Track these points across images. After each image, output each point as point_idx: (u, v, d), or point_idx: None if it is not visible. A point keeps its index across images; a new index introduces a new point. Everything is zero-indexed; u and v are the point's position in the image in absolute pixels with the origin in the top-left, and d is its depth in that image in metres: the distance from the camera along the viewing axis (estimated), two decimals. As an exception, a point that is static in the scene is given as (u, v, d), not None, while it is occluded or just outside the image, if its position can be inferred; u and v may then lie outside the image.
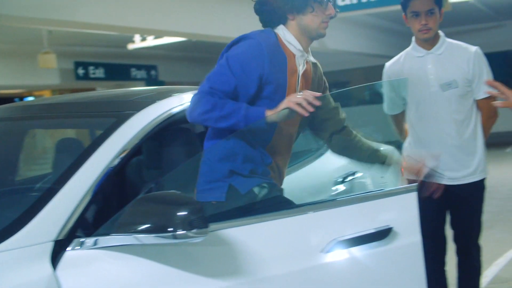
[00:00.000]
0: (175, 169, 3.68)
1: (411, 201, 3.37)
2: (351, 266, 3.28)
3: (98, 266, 2.83)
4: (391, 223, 3.36)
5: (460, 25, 26.30)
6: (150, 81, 24.71)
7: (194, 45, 22.86)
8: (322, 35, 3.60)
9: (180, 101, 3.73)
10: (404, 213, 3.38)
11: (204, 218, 2.80)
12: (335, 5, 3.59)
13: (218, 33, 15.40)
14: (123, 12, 12.45)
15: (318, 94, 3.28)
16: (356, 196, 3.70)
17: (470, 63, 4.83)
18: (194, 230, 2.76)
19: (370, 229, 3.31)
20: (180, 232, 2.73)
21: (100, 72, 22.77)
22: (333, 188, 4.56)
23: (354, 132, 3.94)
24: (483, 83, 4.72)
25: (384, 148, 4.16)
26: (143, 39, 20.33)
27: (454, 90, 4.79)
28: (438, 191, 4.68)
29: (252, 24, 13.67)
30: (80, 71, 22.14)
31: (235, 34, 14.33)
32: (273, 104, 3.38)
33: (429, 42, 4.89)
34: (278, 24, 3.60)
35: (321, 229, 3.27)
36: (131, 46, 20.99)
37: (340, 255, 3.23)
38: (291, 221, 3.25)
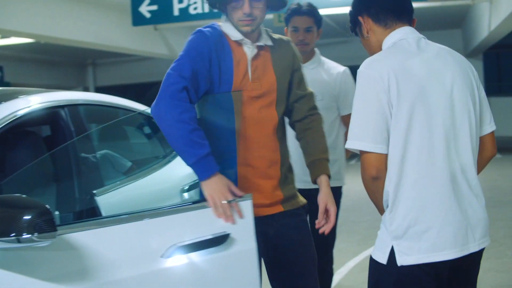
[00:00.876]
0: (18, 172, 3.59)
1: (246, 208, 3.44)
2: (190, 271, 3.35)
3: None
4: (228, 229, 3.44)
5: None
6: (-5, 82, 24.04)
7: (42, 47, 22.43)
8: (243, 32, 3.70)
9: (27, 103, 3.65)
10: (240, 220, 3.45)
11: (52, 221, 2.76)
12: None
13: (68, 36, 15.16)
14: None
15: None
16: (195, 204, 3.73)
17: (337, 81, 5.36)
18: (39, 234, 2.71)
19: (208, 235, 3.39)
20: (25, 236, 2.68)
21: None
22: (179, 196, 4.56)
23: (315, 129, 4.00)
24: (348, 101, 5.13)
25: None
26: (-11, 38, 19.78)
27: (320, 102, 4.88)
28: None
29: (102, 28, 13.51)
30: None
31: (84, 38, 14.19)
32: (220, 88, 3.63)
33: (304, 57, 5.28)
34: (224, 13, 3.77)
35: (161, 234, 3.31)
36: (-24, 45, 20.40)
37: (179, 260, 3.29)
38: (134, 226, 3.27)
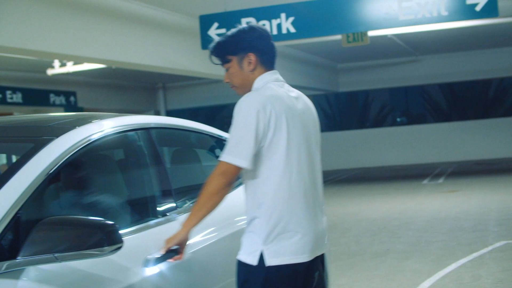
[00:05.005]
0: (94, 194, 3.68)
1: None
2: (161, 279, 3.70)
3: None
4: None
5: (378, 59, 26.77)
6: (68, 107, 24.43)
7: (114, 72, 22.74)
8: None
9: (100, 128, 3.70)
10: None
11: (115, 236, 3.04)
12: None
13: (138, 61, 15.34)
14: (42, 37, 12.31)
15: None
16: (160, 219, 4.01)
17: None
18: (108, 246, 2.99)
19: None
20: (90, 250, 2.96)
21: (18, 97, 22.39)
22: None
23: None
24: None
25: None
26: (63, 65, 20.11)
27: None
28: None
29: (172, 52, 13.58)
30: (-3, 96, 21.76)
31: (155, 62, 14.28)
32: None
33: None
34: None
35: (140, 248, 3.64)
36: (50, 72, 20.73)
37: (154, 270, 3.63)
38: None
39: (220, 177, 3.63)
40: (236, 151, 3.61)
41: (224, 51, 3.91)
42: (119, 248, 3.09)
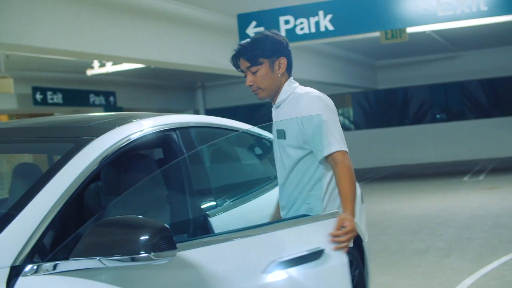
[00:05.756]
0: (133, 194, 3.68)
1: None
2: (289, 286, 3.46)
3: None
4: (322, 245, 3.55)
5: (417, 56, 26.61)
6: (108, 107, 24.60)
7: (152, 72, 22.84)
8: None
9: (140, 127, 3.72)
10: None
11: (172, 239, 2.86)
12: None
13: (177, 60, 15.40)
14: (81, 38, 12.39)
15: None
16: (290, 221, 3.86)
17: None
18: (160, 252, 2.80)
19: (303, 251, 3.52)
20: (143, 255, 2.77)
21: (58, 98, 22.59)
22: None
23: None
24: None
25: None
26: (102, 65, 20.24)
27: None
28: None
29: (210, 51, 13.58)
30: (38, 96, 21.94)
31: (193, 61, 14.25)
32: None
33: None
34: None
35: (261, 251, 3.45)
36: (90, 72, 20.89)
37: (278, 275, 3.41)
38: (233, 244, 3.41)
39: (349, 162, 3.95)
40: (343, 141, 3.99)
41: (258, 52, 4.07)
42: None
